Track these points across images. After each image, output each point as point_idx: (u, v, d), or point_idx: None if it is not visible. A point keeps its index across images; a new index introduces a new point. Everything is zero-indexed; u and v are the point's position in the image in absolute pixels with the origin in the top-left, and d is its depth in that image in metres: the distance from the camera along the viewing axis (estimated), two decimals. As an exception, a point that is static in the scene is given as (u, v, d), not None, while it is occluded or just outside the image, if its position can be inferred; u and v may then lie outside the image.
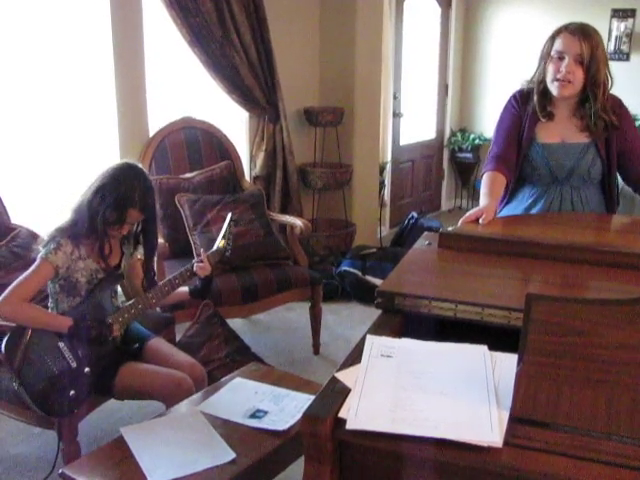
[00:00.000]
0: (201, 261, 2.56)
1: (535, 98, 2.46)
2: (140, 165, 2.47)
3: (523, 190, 2.59)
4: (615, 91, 2.48)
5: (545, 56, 2.43)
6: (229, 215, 2.77)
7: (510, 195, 2.61)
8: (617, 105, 2.46)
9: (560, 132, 2.48)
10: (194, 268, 2.55)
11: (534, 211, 2.54)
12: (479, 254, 1.98)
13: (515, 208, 2.59)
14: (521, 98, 2.53)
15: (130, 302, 2.46)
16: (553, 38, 2.40)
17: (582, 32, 2.33)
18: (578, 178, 2.50)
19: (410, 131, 6.32)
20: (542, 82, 2.45)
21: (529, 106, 2.50)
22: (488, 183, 2.45)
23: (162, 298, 2.51)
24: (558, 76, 2.36)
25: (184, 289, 2.61)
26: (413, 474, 1.27)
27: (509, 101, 2.57)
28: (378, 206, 5.66)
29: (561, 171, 2.49)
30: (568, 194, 2.52)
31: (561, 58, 2.36)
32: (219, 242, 2.70)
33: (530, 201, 2.55)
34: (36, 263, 2.33)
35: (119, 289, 2.64)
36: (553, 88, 2.41)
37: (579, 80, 2.36)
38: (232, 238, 2.74)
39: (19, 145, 3.52)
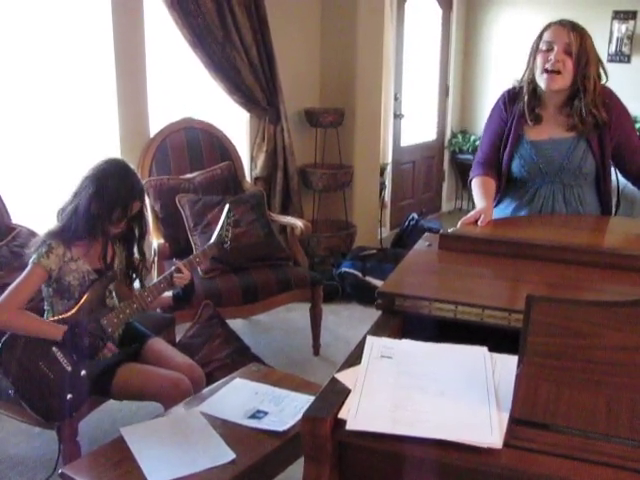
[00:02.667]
0: (179, 271, 2.54)
1: (525, 99, 2.42)
2: (118, 157, 2.47)
3: (514, 190, 2.56)
4: (616, 93, 2.47)
5: (534, 52, 2.40)
6: (227, 206, 2.75)
7: (501, 195, 2.59)
8: (607, 95, 2.42)
9: (548, 130, 2.45)
10: (173, 278, 2.52)
11: (526, 210, 2.51)
12: (479, 255, 1.99)
13: (506, 208, 2.56)
14: (509, 98, 2.50)
15: (125, 302, 2.45)
16: (542, 33, 2.38)
17: (571, 24, 2.33)
18: (569, 174, 2.45)
19: (411, 132, 6.32)
20: (532, 81, 2.41)
21: (517, 105, 2.46)
22: (480, 186, 2.45)
23: (158, 296, 2.50)
24: (547, 66, 2.32)
25: (167, 294, 2.60)
26: (413, 475, 1.27)
27: (497, 103, 2.55)
28: (378, 207, 5.66)
29: (550, 167, 2.45)
30: (560, 192, 2.47)
31: (549, 49, 2.33)
32: (217, 234, 2.68)
33: (523, 200, 2.52)
34: (28, 268, 2.31)
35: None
36: (542, 81, 2.36)
37: (569, 71, 2.32)
38: (231, 230, 2.73)
39: (20, 145, 3.53)
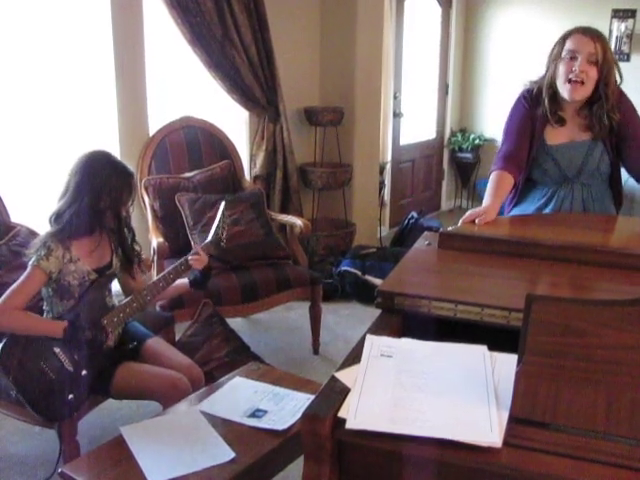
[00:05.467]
0: (196, 253, 2.55)
1: (546, 103, 2.44)
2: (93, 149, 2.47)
3: (534, 191, 2.58)
4: (625, 93, 2.49)
5: (555, 58, 2.40)
6: (222, 204, 2.74)
7: (520, 196, 2.60)
8: (618, 94, 2.44)
9: (567, 132, 2.48)
10: (189, 262, 2.54)
11: (546, 211, 2.54)
12: (479, 254, 1.98)
13: (527, 209, 2.58)
14: (530, 98, 2.51)
15: (125, 301, 2.46)
16: (564, 39, 2.38)
17: (594, 32, 2.34)
18: (588, 175, 2.50)
19: (410, 131, 6.32)
20: (551, 86, 2.43)
21: (538, 109, 2.48)
22: (494, 183, 2.43)
23: (157, 294, 2.50)
24: (571, 76, 2.34)
25: (184, 281, 2.61)
26: (412, 474, 1.27)
27: (519, 100, 2.55)
28: (378, 206, 5.66)
29: (571, 169, 2.49)
30: (579, 192, 2.51)
31: (573, 58, 2.34)
32: (213, 232, 2.68)
33: (542, 201, 2.55)
34: (28, 271, 2.31)
35: (116, 287, 2.63)
36: (565, 91, 2.38)
37: (592, 81, 2.34)
38: (227, 228, 2.72)
39: (19, 144, 3.52)
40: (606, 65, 2.34)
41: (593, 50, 2.31)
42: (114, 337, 2.44)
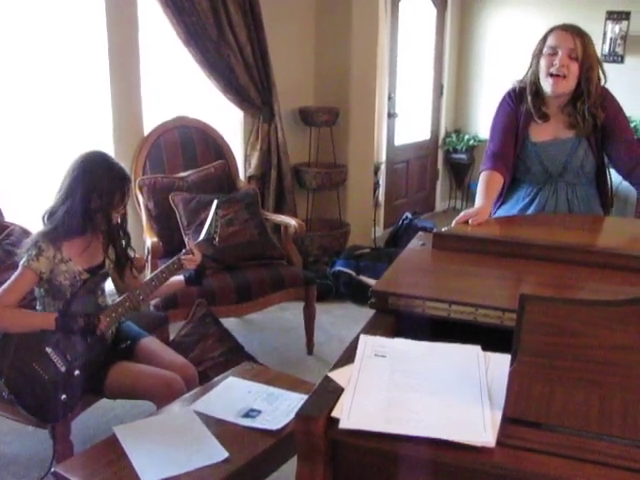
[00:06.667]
0: (189, 252, 2.55)
1: (529, 99, 2.46)
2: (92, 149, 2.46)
3: (518, 190, 2.59)
4: (611, 92, 2.49)
5: (537, 54, 2.43)
6: (214, 203, 2.73)
7: (505, 196, 2.61)
8: (602, 93, 2.45)
9: (551, 129, 2.49)
10: (181, 261, 2.53)
11: (530, 210, 2.54)
12: (473, 254, 1.99)
13: (511, 209, 2.59)
14: (515, 96, 2.53)
15: (118, 300, 2.45)
16: (545, 36, 2.41)
17: (574, 29, 2.36)
18: (572, 173, 2.50)
19: (405, 132, 6.32)
20: (535, 82, 2.45)
21: (523, 106, 2.50)
22: (485, 183, 2.45)
23: (150, 293, 2.49)
24: (552, 70, 2.36)
25: (179, 278, 2.60)
26: (406, 474, 1.27)
27: (504, 98, 2.56)
28: (372, 206, 5.66)
29: (555, 167, 2.49)
30: (563, 191, 2.52)
31: (554, 54, 2.36)
32: (205, 231, 2.66)
33: (526, 201, 2.56)
34: (18, 271, 2.31)
35: (110, 287, 2.62)
36: (547, 85, 2.40)
37: (573, 75, 2.35)
38: (220, 226, 2.71)
39: (13, 143, 3.51)
40: (587, 61, 2.35)
41: (573, 45, 2.33)
42: (108, 324, 2.42)
